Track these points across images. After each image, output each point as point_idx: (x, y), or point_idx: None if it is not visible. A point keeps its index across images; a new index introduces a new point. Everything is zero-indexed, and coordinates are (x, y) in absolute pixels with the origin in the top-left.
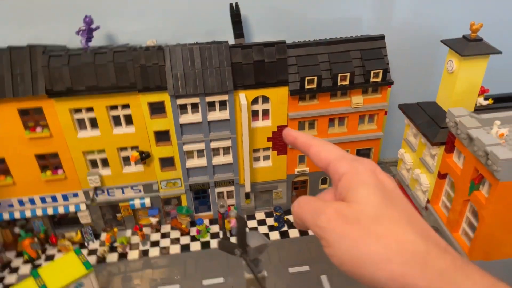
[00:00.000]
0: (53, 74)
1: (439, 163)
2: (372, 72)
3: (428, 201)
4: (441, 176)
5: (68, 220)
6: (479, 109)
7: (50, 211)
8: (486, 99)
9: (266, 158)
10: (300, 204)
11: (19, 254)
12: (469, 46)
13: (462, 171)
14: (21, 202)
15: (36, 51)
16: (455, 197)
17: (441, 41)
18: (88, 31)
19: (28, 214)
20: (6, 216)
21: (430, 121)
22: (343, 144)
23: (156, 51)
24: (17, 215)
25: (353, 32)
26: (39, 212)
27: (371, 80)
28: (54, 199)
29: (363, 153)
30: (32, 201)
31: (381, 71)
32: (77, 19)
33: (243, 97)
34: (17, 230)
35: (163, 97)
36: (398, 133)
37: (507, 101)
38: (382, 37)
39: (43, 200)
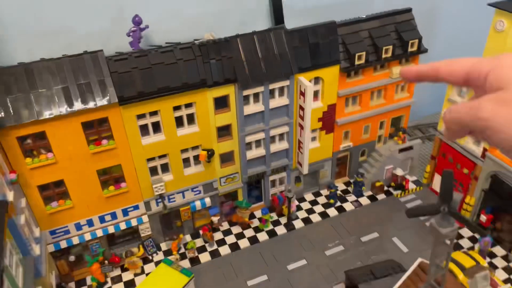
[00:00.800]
0: (123, 79)
1: None
2: (410, 42)
3: (485, 150)
4: None
5: (119, 237)
6: None
7: (111, 229)
8: None
9: (313, 139)
10: (452, 110)
11: (79, 283)
12: None
13: None
14: (78, 226)
15: (98, 58)
16: None
17: (488, 4)
18: (139, 31)
19: (87, 237)
20: (63, 244)
21: None
22: (381, 115)
23: (223, 43)
24: (75, 240)
25: (368, 11)
26: (99, 233)
27: (409, 50)
28: (113, 216)
29: (394, 120)
30: (90, 223)
31: (416, 40)
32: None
33: (304, 80)
34: (72, 258)
35: (229, 90)
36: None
37: None
38: (409, 10)
39: (102, 219)
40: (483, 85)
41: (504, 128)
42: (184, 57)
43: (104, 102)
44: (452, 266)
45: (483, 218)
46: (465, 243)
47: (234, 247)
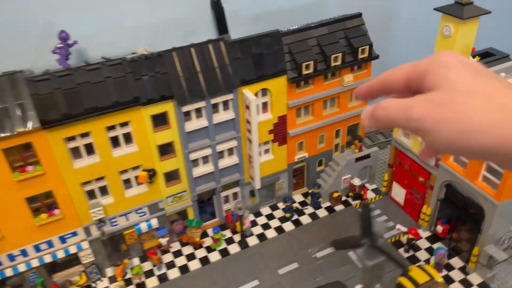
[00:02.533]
0: (44, 101)
1: None
2: (360, 49)
3: (438, 159)
4: None
5: (62, 265)
6: None
7: (47, 259)
8: (473, 57)
9: (266, 152)
10: (384, 106)
11: None
12: (466, 9)
13: None
14: (11, 257)
15: (16, 79)
16: None
17: (435, 8)
18: (66, 47)
19: (22, 268)
20: None
21: None
22: (336, 124)
23: (156, 58)
24: (9, 272)
25: (321, 16)
26: (35, 263)
27: (359, 57)
28: (50, 244)
29: (350, 128)
30: (24, 253)
31: (367, 47)
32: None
33: (249, 93)
34: None
35: (167, 106)
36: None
37: (485, 56)
38: (359, 15)
39: (37, 248)
40: (423, 85)
41: (436, 130)
42: (113, 74)
43: (24, 127)
44: (405, 282)
45: (439, 228)
46: (422, 255)
47: (184, 269)
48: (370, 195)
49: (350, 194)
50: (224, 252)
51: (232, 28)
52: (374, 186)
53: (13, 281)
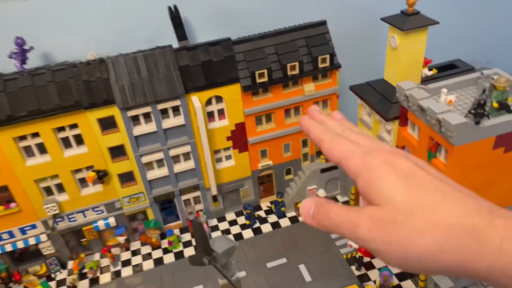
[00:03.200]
0: None
1: (396, 137)
2: (320, 58)
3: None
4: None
5: (31, 254)
6: (425, 80)
7: (8, 248)
8: (430, 69)
9: (228, 158)
10: (331, 217)
11: None
12: (409, 20)
13: (418, 142)
14: None
15: None
16: None
17: (381, 18)
18: (22, 52)
19: None
20: None
21: (382, 98)
22: (302, 133)
23: (98, 64)
24: None
25: (294, 21)
26: None
27: (320, 66)
28: (11, 234)
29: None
30: None
31: (327, 56)
32: (9, 43)
33: (196, 100)
34: None
35: (113, 111)
36: (352, 115)
37: (449, 68)
38: (324, 23)
39: None
40: (357, 185)
41: (385, 252)
42: (55, 79)
43: None
44: None
45: None
46: (374, 274)
47: (137, 268)
48: None
49: None
50: (179, 255)
51: (201, 35)
52: (346, 199)
53: None
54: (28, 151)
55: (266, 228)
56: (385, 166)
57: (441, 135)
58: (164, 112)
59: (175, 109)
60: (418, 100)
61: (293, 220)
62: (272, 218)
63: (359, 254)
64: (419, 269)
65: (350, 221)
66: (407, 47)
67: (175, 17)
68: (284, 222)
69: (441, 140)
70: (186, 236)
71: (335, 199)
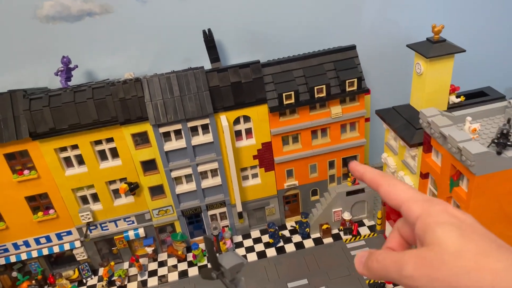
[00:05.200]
0: (35, 116)
1: (420, 164)
2: (347, 81)
3: None
4: (423, 176)
5: (66, 259)
6: (452, 107)
7: (45, 251)
8: (458, 96)
9: (254, 176)
10: (379, 260)
11: None
12: (433, 47)
13: (441, 169)
14: (16, 246)
15: (16, 96)
16: (438, 195)
17: (407, 45)
18: (67, 70)
19: (23, 256)
20: (2, 261)
21: (406, 123)
22: (329, 154)
23: (134, 83)
24: (13, 259)
25: (326, 44)
26: (34, 254)
27: (347, 89)
28: (48, 239)
29: (349, 160)
30: (26, 244)
31: (355, 80)
32: (56, 61)
33: (224, 119)
34: (14, 274)
35: (146, 127)
36: (380, 138)
37: (478, 96)
38: (353, 47)
39: (37, 241)
40: (412, 227)
41: None
42: (94, 96)
43: (17, 138)
44: None
45: None
46: None
47: (163, 280)
48: (364, 231)
49: (341, 227)
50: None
51: (233, 57)
52: (372, 223)
53: (18, 267)
54: (67, 161)
55: (289, 247)
56: (443, 213)
57: (463, 163)
58: (194, 129)
59: (204, 127)
60: (440, 127)
61: (317, 241)
62: (296, 238)
63: (382, 280)
64: None
65: (396, 261)
66: (432, 74)
67: (208, 40)
68: (308, 243)
69: (462, 168)
70: None
71: (361, 222)
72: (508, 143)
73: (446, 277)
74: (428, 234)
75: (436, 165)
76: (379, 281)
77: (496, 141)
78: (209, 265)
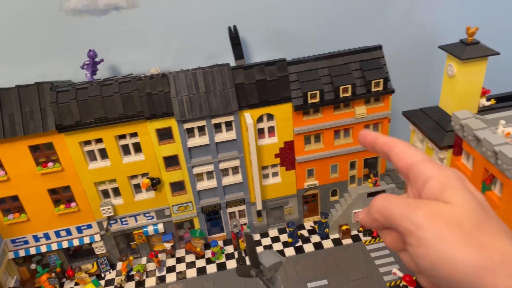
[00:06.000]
0: (62, 109)
1: (449, 167)
2: (373, 82)
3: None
4: None
5: (84, 252)
6: (482, 110)
7: (65, 244)
8: (488, 99)
9: (275, 174)
10: (386, 198)
11: None
12: (467, 49)
13: (472, 173)
14: (36, 238)
15: (43, 88)
16: None
17: (439, 47)
18: (93, 64)
19: (43, 249)
20: (22, 253)
21: (435, 125)
22: (350, 155)
23: (160, 78)
24: (32, 251)
25: (351, 44)
26: (54, 246)
27: (373, 89)
28: (68, 232)
29: (370, 161)
30: (47, 236)
31: (381, 80)
32: (81, 54)
33: (249, 116)
34: (33, 266)
35: (170, 122)
36: (404, 139)
37: (508, 100)
38: (379, 47)
39: (57, 234)
40: (419, 187)
41: (431, 243)
42: (121, 90)
43: (43, 130)
44: None
45: None
46: None
47: (180, 276)
48: None
49: (360, 229)
50: (221, 266)
51: (258, 55)
52: None
53: (37, 259)
54: (90, 155)
55: (308, 248)
56: (461, 181)
57: (497, 167)
58: (217, 126)
59: (228, 124)
60: (474, 130)
61: (337, 242)
62: (315, 238)
63: (403, 283)
64: (455, 278)
65: (408, 204)
66: (465, 76)
67: (234, 37)
68: (327, 244)
69: (496, 172)
70: (229, 248)
71: None
72: None
73: (457, 241)
74: (447, 193)
75: (466, 168)
76: (400, 284)
77: None
78: (238, 264)
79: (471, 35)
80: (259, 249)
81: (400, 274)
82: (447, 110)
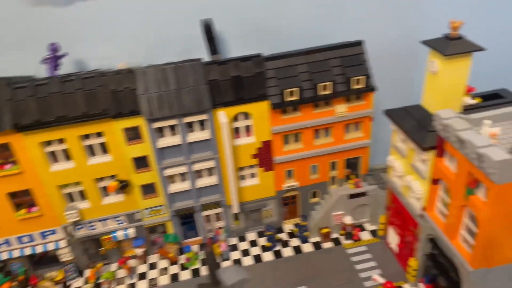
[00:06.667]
0: (19, 106)
1: (431, 169)
2: (354, 79)
3: (423, 209)
4: (434, 181)
5: (50, 259)
6: (467, 109)
7: (28, 251)
8: (473, 98)
9: (252, 176)
10: None
11: None
12: (451, 44)
13: (455, 176)
14: None
15: (0, 84)
16: (451, 203)
17: (422, 41)
18: (54, 58)
19: (4, 256)
20: None
21: (418, 125)
22: (331, 155)
23: (127, 74)
24: None
25: (330, 39)
26: (16, 253)
27: (353, 87)
28: (31, 238)
29: (351, 162)
30: (8, 243)
31: (363, 77)
32: (43, 48)
33: (223, 115)
34: None
35: (138, 121)
36: (386, 138)
37: (495, 98)
38: (360, 43)
39: (19, 240)
40: None
41: None
42: (84, 87)
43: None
44: None
45: (420, 287)
46: None
47: (152, 283)
48: (366, 236)
49: (341, 232)
50: (195, 272)
51: (234, 50)
52: (374, 227)
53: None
54: (53, 156)
55: (287, 252)
56: None
57: (482, 171)
58: (189, 125)
59: (201, 123)
60: (458, 131)
61: (317, 246)
62: (294, 242)
63: None
64: None
65: None
66: (449, 73)
67: (208, 31)
68: (307, 248)
69: (481, 176)
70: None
71: (362, 227)
72: None
73: None
74: None
75: (449, 171)
76: None
77: None
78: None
79: (455, 29)
80: (237, 254)
81: (381, 280)
82: (429, 108)
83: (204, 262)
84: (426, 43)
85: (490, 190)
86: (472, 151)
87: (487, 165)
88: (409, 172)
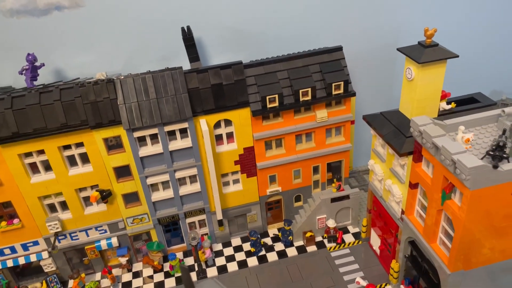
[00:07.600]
0: None
1: (409, 173)
2: (333, 84)
3: (402, 212)
4: (413, 186)
5: (33, 270)
6: (442, 114)
7: (10, 263)
8: (448, 103)
9: (235, 182)
10: None
11: None
12: (426, 52)
13: (432, 180)
14: None
15: None
16: (429, 207)
17: (397, 49)
18: (32, 69)
19: None
20: None
21: (395, 130)
22: (313, 159)
23: (106, 84)
24: None
25: (311, 46)
26: None
27: (333, 92)
28: (13, 250)
29: (334, 165)
30: None
31: (342, 82)
32: (20, 59)
33: (204, 123)
34: None
35: (119, 131)
36: (369, 140)
37: (469, 102)
38: (339, 48)
39: (1, 252)
40: None
41: None
42: (62, 98)
43: None
44: None
45: None
46: None
47: None
48: (349, 239)
49: (325, 235)
50: (180, 280)
51: (215, 57)
52: (357, 230)
53: None
54: (33, 168)
55: (272, 256)
56: None
57: (456, 176)
58: (171, 133)
59: (183, 131)
60: (433, 137)
61: (301, 250)
62: (279, 246)
63: None
64: None
65: None
66: (424, 80)
67: (187, 38)
68: (291, 252)
69: (456, 181)
70: (189, 260)
71: (345, 229)
72: (504, 155)
73: None
74: None
75: (426, 175)
76: None
77: (491, 153)
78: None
79: (429, 37)
80: (221, 260)
81: (364, 283)
82: (407, 114)
83: (178, 280)
84: (401, 50)
85: (464, 196)
86: (447, 157)
87: (460, 171)
88: (388, 176)
